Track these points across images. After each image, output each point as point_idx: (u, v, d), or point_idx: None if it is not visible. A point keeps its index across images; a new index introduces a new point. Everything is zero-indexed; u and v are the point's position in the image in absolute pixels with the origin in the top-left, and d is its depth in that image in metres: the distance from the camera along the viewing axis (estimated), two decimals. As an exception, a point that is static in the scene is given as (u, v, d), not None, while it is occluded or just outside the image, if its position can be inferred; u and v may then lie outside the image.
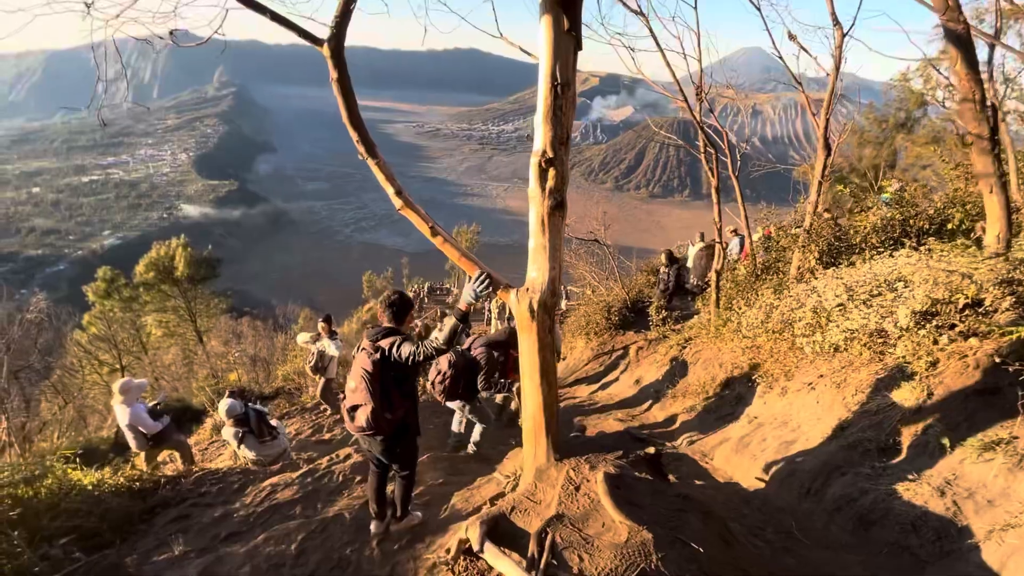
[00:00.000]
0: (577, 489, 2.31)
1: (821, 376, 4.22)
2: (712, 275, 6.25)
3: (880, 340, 3.90)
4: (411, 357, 2.54)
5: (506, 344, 4.87)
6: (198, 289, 27.34)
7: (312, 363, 7.23)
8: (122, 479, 4.34)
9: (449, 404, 4.94)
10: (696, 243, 12.32)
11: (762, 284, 6.11)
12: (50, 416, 9.64)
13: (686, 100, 5.60)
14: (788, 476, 3.52)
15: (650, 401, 6.62)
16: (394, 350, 2.60)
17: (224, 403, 5.17)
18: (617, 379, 8.12)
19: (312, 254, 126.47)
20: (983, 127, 3.63)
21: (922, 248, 4.19)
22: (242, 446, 5.08)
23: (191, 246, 27.37)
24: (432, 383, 4.64)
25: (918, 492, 2.74)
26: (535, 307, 2.43)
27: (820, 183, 5.25)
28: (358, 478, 4.40)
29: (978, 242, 4.34)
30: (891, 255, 4.32)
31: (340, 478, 4.38)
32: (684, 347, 7.12)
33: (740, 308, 5.75)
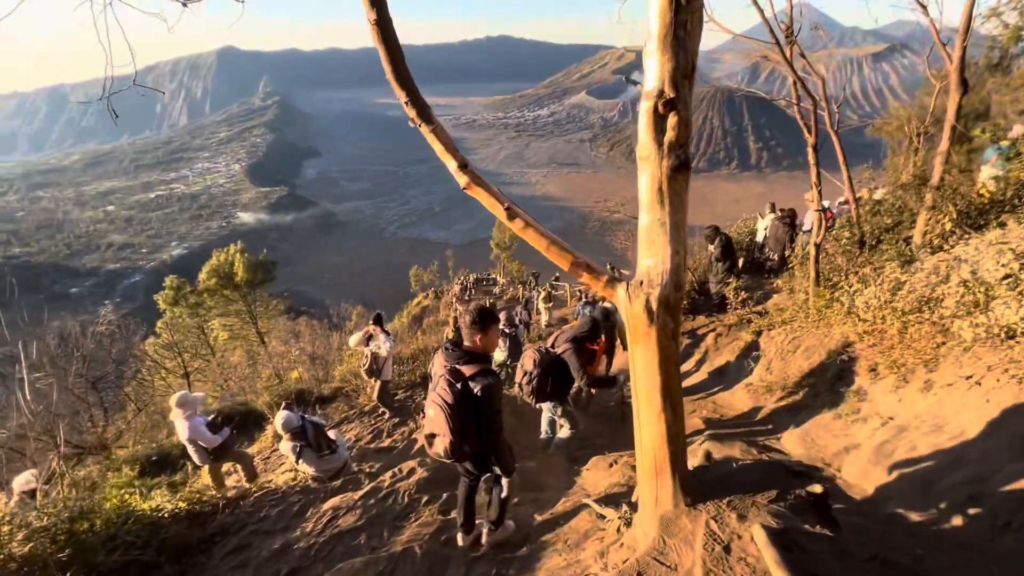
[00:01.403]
0: (727, 550, 1.69)
1: (989, 368, 3.34)
2: (811, 248, 5.36)
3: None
4: (492, 415, 2.55)
5: (592, 337, 4.57)
6: (257, 292, 28.38)
7: (366, 366, 6.90)
8: (181, 503, 4.09)
9: (539, 406, 4.75)
10: (767, 215, 11.22)
11: (875, 256, 5.17)
12: (124, 425, 9.93)
13: (778, 43, 4.70)
14: (967, 502, 2.74)
15: (739, 395, 5.85)
16: (475, 389, 2.49)
17: (280, 416, 4.88)
18: (693, 369, 7.34)
19: (360, 252, 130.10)
20: None
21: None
22: (300, 461, 4.77)
23: (247, 251, 28.41)
24: (519, 384, 4.41)
25: None
26: (654, 306, 1.80)
27: (954, 128, 4.26)
28: (425, 498, 3.97)
29: None
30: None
31: (405, 499, 3.95)
32: (771, 332, 6.26)
33: (851, 285, 4.86)
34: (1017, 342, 3.28)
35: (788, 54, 4.87)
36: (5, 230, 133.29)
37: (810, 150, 5.09)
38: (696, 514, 1.87)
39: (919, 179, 5.07)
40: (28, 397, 8.51)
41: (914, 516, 2.85)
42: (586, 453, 5.07)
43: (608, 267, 21.40)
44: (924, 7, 4.41)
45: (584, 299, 14.27)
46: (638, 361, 1.91)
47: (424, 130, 1.98)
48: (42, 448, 9.46)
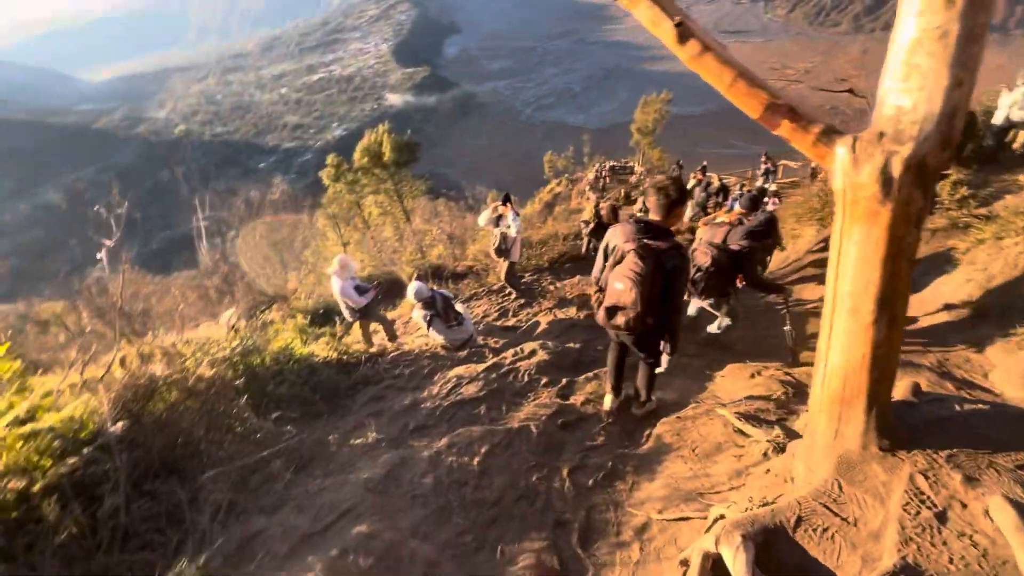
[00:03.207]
0: (941, 519, 1.22)
1: None
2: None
3: None
4: (680, 290, 2.67)
5: (767, 234, 4.61)
6: (403, 172, 30.22)
7: (495, 245, 6.90)
8: (333, 352, 4.61)
9: (697, 300, 4.85)
10: (1019, 86, 8.28)
11: None
12: (298, 283, 11.68)
13: None
14: None
15: (938, 317, 4.70)
16: (668, 264, 2.52)
17: (412, 286, 5.11)
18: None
19: (497, 136, 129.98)
20: None
21: None
22: (431, 329, 5.04)
23: (394, 132, 29.84)
24: (692, 279, 4.36)
25: None
26: (896, 172, 1.18)
27: None
28: (544, 379, 3.94)
29: None
30: None
31: (526, 377, 3.95)
32: (1000, 242, 4.76)
33: None
34: None
35: None
36: (210, 111, 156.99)
37: None
38: (895, 463, 1.39)
39: None
40: (229, 252, 10.21)
41: None
42: (722, 357, 4.59)
43: (763, 159, 18.35)
44: None
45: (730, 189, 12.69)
46: (851, 251, 1.34)
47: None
48: (242, 293, 11.65)
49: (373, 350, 4.96)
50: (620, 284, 2.60)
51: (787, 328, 4.49)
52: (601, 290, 2.82)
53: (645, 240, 2.54)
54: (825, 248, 7.69)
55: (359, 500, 2.45)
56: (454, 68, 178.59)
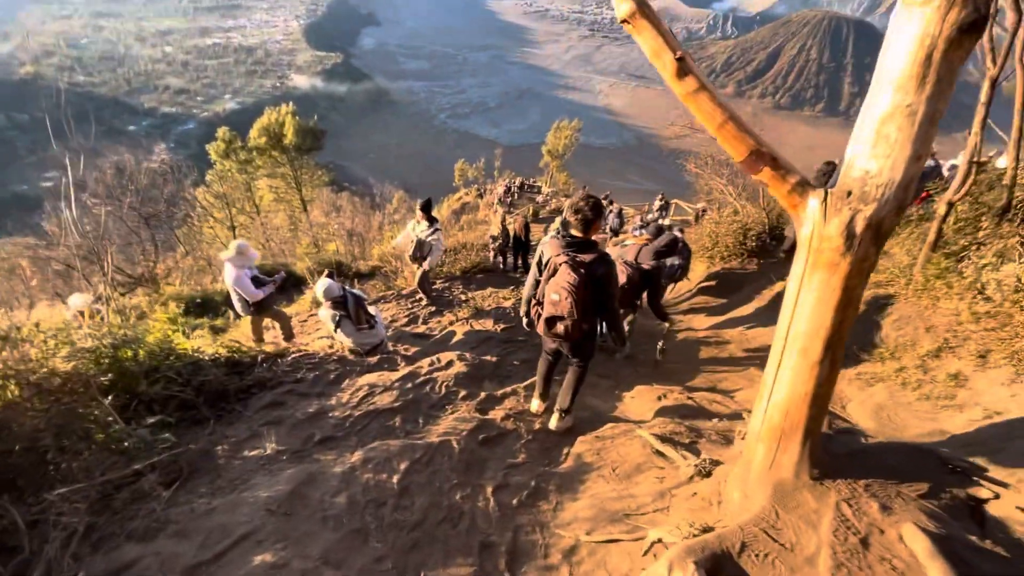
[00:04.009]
0: (864, 544, 1.36)
1: None
2: (940, 205, 4.56)
3: None
4: (613, 294, 2.87)
5: (671, 253, 5.39)
6: (304, 159, 28.26)
7: (411, 252, 6.66)
8: (222, 349, 4.07)
9: None
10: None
11: (1013, 226, 4.37)
12: (172, 264, 10.26)
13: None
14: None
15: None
16: (598, 273, 2.73)
17: (322, 283, 4.72)
18: (752, 316, 6.85)
19: (409, 136, 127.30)
20: None
21: None
22: (339, 331, 4.68)
23: (299, 116, 27.86)
24: None
25: None
26: (859, 229, 1.32)
27: None
28: (462, 392, 3.82)
29: None
30: None
31: (443, 389, 3.80)
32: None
33: (982, 257, 4.15)
34: None
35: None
36: (71, 56, 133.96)
37: (986, 84, 4.09)
38: (823, 491, 1.53)
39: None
40: (75, 216, 8.59)
41: None
42: (629, 378, 4.85)
43: (660, 197, 20.10)
44: None
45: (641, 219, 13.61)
46: (808, 297, 1.46)
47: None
48: (94, 272, 9.93)
49: (268, 349, 4.46)
50: (556, 295, 2.79)
51: (661, 344, 5.36)
52: (539, 303, 2.97)
53: (573, 253, 2.74)
54: (714, 282, 8.58)
55: (259, 523, 2.14)
56: (370, 59, 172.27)
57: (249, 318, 5.73)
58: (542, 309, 2.91)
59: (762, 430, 1.65)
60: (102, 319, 5.89)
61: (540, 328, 2.97)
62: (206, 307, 9.11)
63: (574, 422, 3.41)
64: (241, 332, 6.73)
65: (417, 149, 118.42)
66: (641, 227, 9.25)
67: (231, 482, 2.61)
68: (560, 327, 2.84)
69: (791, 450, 1.58)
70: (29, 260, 8.83)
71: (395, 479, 2.54)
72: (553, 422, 3.31)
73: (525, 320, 3.20)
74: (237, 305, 5.61)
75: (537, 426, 3.37)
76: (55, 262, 8.55)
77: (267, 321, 6.47)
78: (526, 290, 3.14)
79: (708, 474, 2.07)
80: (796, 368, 1.52)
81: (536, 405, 3.49)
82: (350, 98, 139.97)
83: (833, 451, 1.74)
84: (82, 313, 5.70)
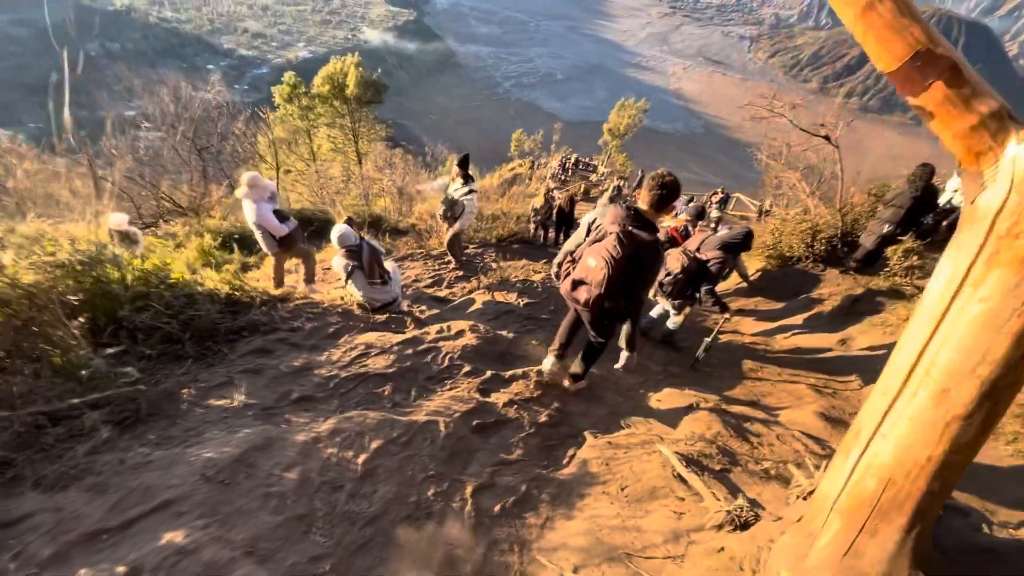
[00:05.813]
0: None
1: None
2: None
3: None
4: (650, 281, 2.67)
5: (743, 247, 4.69)
6: (364, 111, 28.30)
7: (442, 211, 6.24)
8: (224, 285, 3.81)
9: (660, 301, 4.95)
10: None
11: None
12: (216, 199, 10.31)
13: None
14: None
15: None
16: (645, 256, 2.52)
17: (338, 228, 4.38)
18: (807, 327, 6.09)
19: (470, 102, 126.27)
20: None
21: None
22: (350, 281, 4.35)
23: (364, 68, 27.81)
24: (660, 283, 4.67)
25: None
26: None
27: None
28: (466, 367, 3.40)
29: None
30: None
31: (445, 361, 3.40)
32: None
33: None
34: None
35: None
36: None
37: None
38: (925, 605, 1.00)
39: None
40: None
41: None
42: (657, 377, 4.32)
43: (719, 191, 18.87)
44: None
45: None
46: (971, 309, 0.90)
47: None
48: (147, 196, 10.12)
49: (276, 292, 4.19)
50: (593, 261, 2.61)
51: (708, 340, 4.63)
52: (574, 261, 2.83)
53: (630, 227, 2.52)
54: (770, 284, 7.75)
55: (188, 489, 1.81)
56: (442, 19, 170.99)
57: (273, 257, 5.51)
58: (573, 270, 2.76)
59: (843, 499, 1.13)
60: (134, 241, 5.86)
61: (564, 287, 2.83)
62: (244, 244, 9.10)
63: (587, 383, 3.41)
64: (265, 272, 6.57)
65: (477, 115, 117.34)
66: (683, 207, 8.41)
67: (185, 432, 2.31)
68: (583, 293, 2.69)
69: (885, 536, 1.05)
70: (86, 179, 8.99)
71: (360, 459, 2.16)
72: (566, 381, 3.30)
73: (554, 271, 3.06)
74: (262, 243, 5.40)
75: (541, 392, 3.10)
76: (104, 182, 8.67)
77: (291, 264, 6.26)
78: (568, 243, 2.97)
79: (744, 526, 1.56)
80: (923, 418, 0.98)
81: (549, 364, 3.26)
82: (418, 57, 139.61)
83: (943, 544, 1.19)
84: (121, 234, 5.68)
